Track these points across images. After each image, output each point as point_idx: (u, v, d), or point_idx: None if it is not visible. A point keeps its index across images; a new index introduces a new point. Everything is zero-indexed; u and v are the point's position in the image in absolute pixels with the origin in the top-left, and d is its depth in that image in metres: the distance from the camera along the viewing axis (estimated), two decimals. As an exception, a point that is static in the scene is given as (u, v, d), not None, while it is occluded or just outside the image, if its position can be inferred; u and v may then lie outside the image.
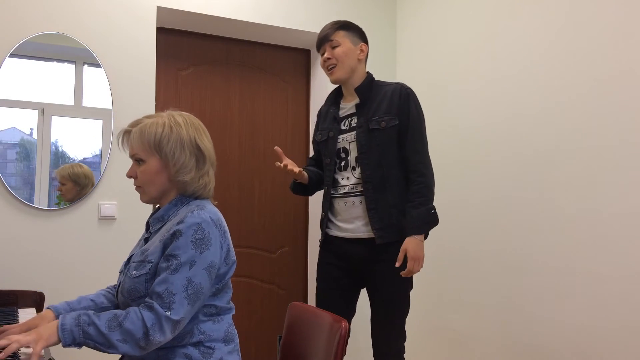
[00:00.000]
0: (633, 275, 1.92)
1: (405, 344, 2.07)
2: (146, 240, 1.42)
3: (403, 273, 1.94)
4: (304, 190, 2.23)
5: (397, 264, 1.95)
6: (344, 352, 1.33)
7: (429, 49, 2.97)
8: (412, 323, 2.87)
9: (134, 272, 1.31)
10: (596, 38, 2.09)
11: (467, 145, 2.68)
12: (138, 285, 1.29)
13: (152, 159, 1.35)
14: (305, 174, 2.14)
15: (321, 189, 2.24)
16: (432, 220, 1.97)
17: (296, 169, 2.04)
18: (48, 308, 1.40)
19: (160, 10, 2.64)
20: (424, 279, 2.87)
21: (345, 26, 2.11)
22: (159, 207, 1.44)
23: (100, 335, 1.17)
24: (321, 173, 2.23)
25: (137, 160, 1.37)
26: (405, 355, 2.04)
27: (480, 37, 2.63)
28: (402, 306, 2.02)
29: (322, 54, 2.13)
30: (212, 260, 1.28)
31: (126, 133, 1.41)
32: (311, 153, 2.86)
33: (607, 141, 2.03)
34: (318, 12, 3.01)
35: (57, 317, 1.38)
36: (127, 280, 1.32)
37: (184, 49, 2.93)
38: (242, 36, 3.03)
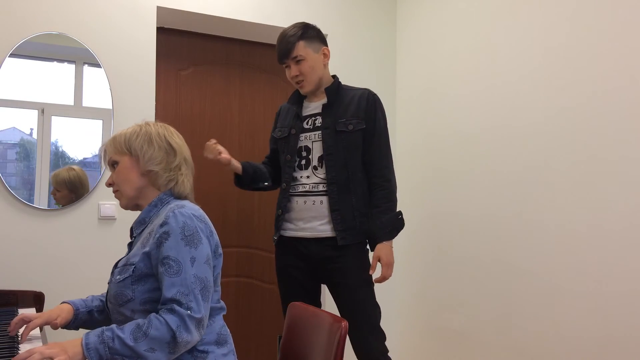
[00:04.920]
0: (628, 278, 1.92)
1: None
2: (129, 245, 1.43)
3: (377, 280, 1.98)
4: (238, 182, 2.19)
5: (371, 271, 1.99)
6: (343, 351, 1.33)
7: (429, 49, 2.97)
8: (412, 323, 2.87)
9: (118, 277, 1.30)
10: (597, 41, 2.09)
11: (466, 146, 2.68)
12: (124, 289, 1.28)
13: (124, 157, 1.39)
14: (238, 164, 2.11)
15: (259, 186, 2.22)
16: (400, 225, 2.03)
17: (225, 157, 2.02)
18: (64, 302, 1.44)
19: (160, 10, 2.64)
20: (423, 281, 2.87)
21: (304, 35, 2.05)
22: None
23: (126, 348, 1.15)
24: (263, 169, 2.22)
25: (112, 165, 1.41)
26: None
27: (480, 37, 2.63)
28: (368, 305, 2.01)
29: (286, 67, 2.10)
30: (207, 253, 1.29)
31: (104, 148, 1.46)
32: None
33: (608, 146, 2.03)
34: (319, 12, 3.01)
35: (75, 310, 1.43)
36: (112, 287, 1.32)
37: (184, 49, 2.93)
38: (242, 36, 3.02)
